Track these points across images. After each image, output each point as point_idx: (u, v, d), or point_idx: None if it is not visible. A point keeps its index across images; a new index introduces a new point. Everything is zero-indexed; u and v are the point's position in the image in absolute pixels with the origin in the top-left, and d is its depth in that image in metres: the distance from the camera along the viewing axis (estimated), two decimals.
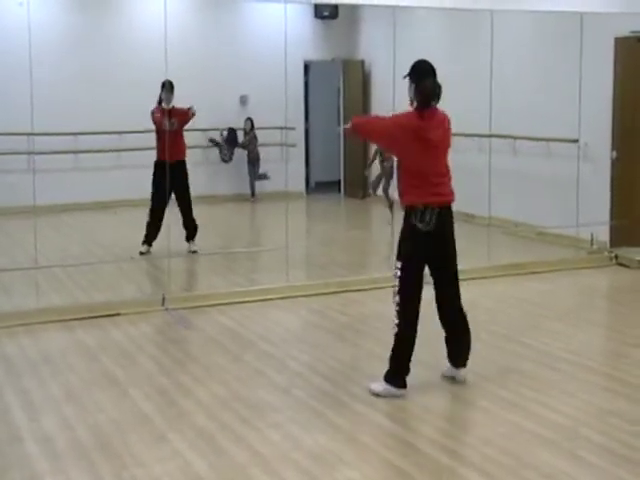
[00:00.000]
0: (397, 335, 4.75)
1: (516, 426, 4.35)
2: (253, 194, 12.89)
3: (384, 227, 9.55)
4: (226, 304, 6.81)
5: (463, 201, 10.72)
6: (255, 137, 12.85)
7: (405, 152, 4.83)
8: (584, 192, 8.74)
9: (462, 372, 4.99)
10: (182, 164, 8.84)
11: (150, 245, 8.74)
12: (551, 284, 7.70)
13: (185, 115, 8.76)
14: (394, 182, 11.47)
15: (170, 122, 8.67)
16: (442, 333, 6.03)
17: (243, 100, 13.13)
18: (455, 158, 11.71)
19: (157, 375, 5.21)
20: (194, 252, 8.83)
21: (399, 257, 4.76)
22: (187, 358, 5.63)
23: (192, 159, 12.53)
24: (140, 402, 4.72)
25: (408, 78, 4.82)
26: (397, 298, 4.74)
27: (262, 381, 5.16)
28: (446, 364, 5.04)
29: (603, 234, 8.79)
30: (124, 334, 6.14)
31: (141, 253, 8.65)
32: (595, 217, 8.76)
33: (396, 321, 4.75)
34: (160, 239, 8.50)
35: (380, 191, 11.05)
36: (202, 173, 12.80)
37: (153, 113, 8.79)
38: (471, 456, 3.98)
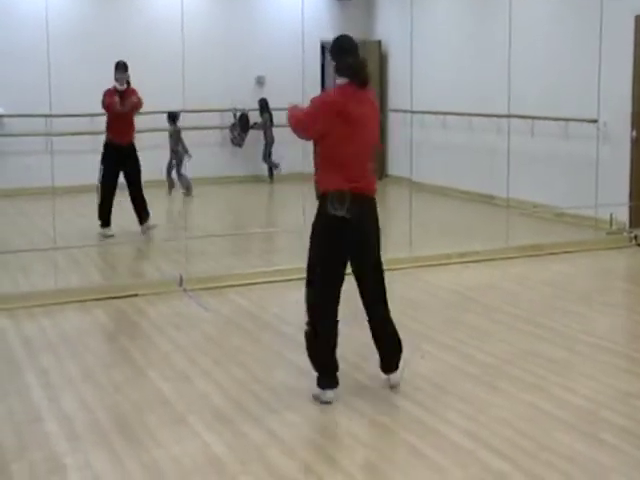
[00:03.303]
0: (308, 334, 4.36)
1: (536, 408, 4.29)
2: (271, 176, 12.80)
3: (402, 207, 9.47)
4: (243, 285, 6.77)
5: (482, 182, 10.80)
6: (271, 119, 12.76)
7: (325, 133, 4.23)
8: (603, 172, 8.61)
9: (394, 376, 4.55)
10: (133, 147, 8.76)
11: (109, 226, 8.66)
12: (570, 265, 7.61)
13: (138, 99, 8.66)
14: None
15: (122, 104, 8.57)
16: (461, 314, 6.00)
17: (259, 81, 13.03)
18: (473, 139, 11.78)
19: (175, 356, 5.18)
20: (154, 227, 8.68)
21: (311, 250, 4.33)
22: (205, 339, 5.60)
23: (209, 140, 12.60)
24: (158, 383, 4.70)
25: (330, 56, 4.37)
26: (306, 295, 4.37)
27: (280, 363, 5.12)
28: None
29: (622, 215, 8.67)
30: (142, 315, 6.13)
31: (106, 236, 8.59)
32: (614, 198, 8.64)
33: (307, 319, 4.35)
34: (177, 220, 8.48)
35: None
36: (219, 154, 12.79)
37: (105, 94, 8.65)
38: (490, 438, 3.92)
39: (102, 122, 11.53)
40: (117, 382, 4.73)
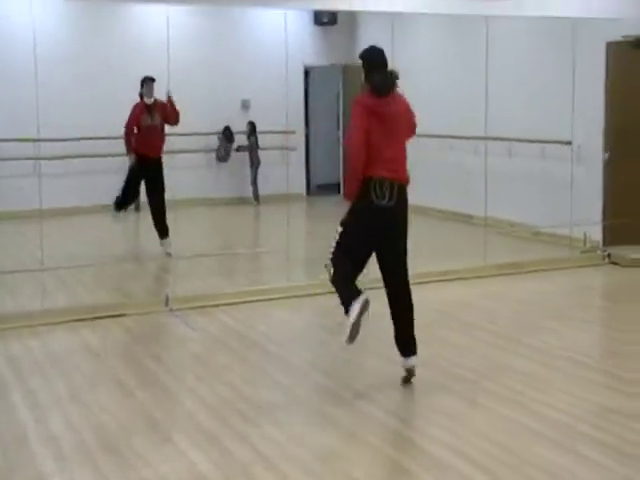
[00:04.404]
0: (334, 281, 4.60)
1: (516, 423, 4.27)
2: (257, 198, 12.74)
3: None
4: (229, 304, 6.72)
5: (461, 202, 10.83)
6: (257, 141, 12.76)
7: (368, 130, 4.62)
8: (577, 192, 8.68)
9: (411, 360, 4.78)
10: (158, 161, 8.61)
11: (125, 210, 8.72)
12: (546, 283, 7.63)
13: (167, 109, 8.48)
14: None
15: (151, 117, 8.52)
16: (441, 332, 5.99)
17: (245, 104, 13.04)
18: (453, 160, 11.83)
19: (162, 375, 5.13)
20: (168, 254, 8.45)
21: (342, 222, 4.64)
22: (192, 358, 5.55)
23: (195, 162, 12.57)
24: (145, 403, 4.64)
25: (362, 62, 4.83)
26: (331, 259, 4.60)
27: (265, 380, 5.09)
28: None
29: (596, 233, 8.72)
30: (129, 335, 6.07)
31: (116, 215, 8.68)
32: (588, 217, 8.70)
33: (331, 270, 4.59)
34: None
35: None
36: (204, 176, 12.75)
37: (134, 109, 8.56)
38: (472, 453, 3.89)
39: (88, 145, 11.56)
40: (104, 402, 4.66)
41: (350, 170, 4.66)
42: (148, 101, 8.55)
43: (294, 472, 3.76)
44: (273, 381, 5.04)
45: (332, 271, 4.60)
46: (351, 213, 4.62)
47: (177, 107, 8.53)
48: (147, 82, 8.57)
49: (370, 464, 3.90)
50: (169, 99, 8.50)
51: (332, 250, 4.62)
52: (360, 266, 4.67)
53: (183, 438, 4.12)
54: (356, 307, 4.42)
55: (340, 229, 4.63)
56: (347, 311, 4.48)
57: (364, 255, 4.67)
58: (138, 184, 8.69)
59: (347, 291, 4.55)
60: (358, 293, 4.50)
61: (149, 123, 8.52)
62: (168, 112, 8.52)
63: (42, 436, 4.18)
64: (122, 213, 8.74)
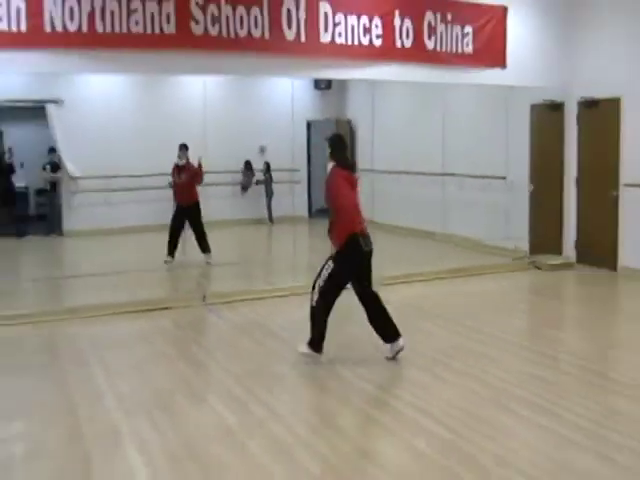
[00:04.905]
0: (317, 307, 4.63)
1: (466, 389, 4.30)
2: (271, 220, 12.79)
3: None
4: (250, 300, 6.75)
5: (425, 222, 10.89)
6: (271, 177, 12.82)
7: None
8: (510, 214, 8.77)
9: (400, 342, 4.79)
10: (194, 206, 8.46)
11: (173, 256, 8.40)
12: (488, 283, 7.66)
13: (192, 171, 8.41)
14: None
15: (179, 176, 8.48)
16: (408, 320, 6.02)
17: (262, 149, 13.10)
18: (418, 190, 11.84)
19: (199, 353, 5.18)
20: (208, 263, 8.45)
21: (335, 263, 4.62)
22: (221, 341, 5.59)
23: (224, 193, 12.62)
24: (186, 373, 4.70)
25: (328, 144, 4.80)
26: (321, 286, 4.63)
27: (278, 357, 5.11)
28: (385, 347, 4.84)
29: (524, 245, 8.80)
30: (174, 323, 6.12)
31: (166, 262, 8.33)
32: (518, 233, 8.78)
33: (317, 298, 4.62)
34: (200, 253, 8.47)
35: None
36: (232, 203, 12.77)
37: (172, 168, 8.61)
38: (438, 415, 3.90)
39: (144, 181, 11.60)
40: (156, 372, 4.73)
41: (345, 223, 4.64)
42: (179, 162, 8.50)
43: (298, 424, 3.82)
44: (284, 358, 5.06)
45: (317, 298, 4.64)
46: (344, 257, 4.62)
47: (203, 170, 8.44)
48: (180, 148, 8.54)
49: (353, 418, 3.96)
50: (199, 164, 8.49)
51: (324, 279, 4.62)
52: (340, 291, 4.74)
53: (215, 399, 4.18)
54: (313, 354, 4.69)
55: (332, 266, 4.61)
56: (312, 343, 4.69)
57: (348, 281, 4.76)
58: (179, 228, 8.45)
59: (322, 326, 4.67)
60: (321, 349, 4.71)
61: (177, 181, 8.51)
62: (194, 173, 8.48)
63: (113, 395, 4.24)
64: (172, 259, 8.38)
